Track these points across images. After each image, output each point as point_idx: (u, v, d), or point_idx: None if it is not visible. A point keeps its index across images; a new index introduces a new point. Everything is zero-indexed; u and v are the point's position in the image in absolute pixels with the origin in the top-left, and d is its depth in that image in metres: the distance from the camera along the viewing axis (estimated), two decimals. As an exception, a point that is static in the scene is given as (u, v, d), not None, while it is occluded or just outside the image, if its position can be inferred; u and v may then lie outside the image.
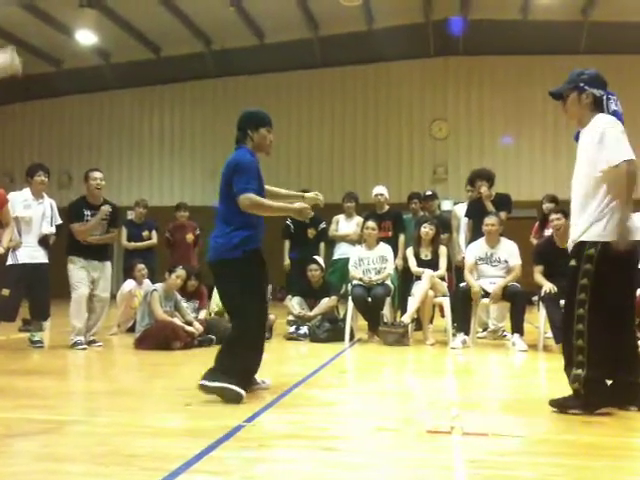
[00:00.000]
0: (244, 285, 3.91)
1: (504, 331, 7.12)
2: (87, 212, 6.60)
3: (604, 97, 3.63)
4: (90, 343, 6.54)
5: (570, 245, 3.71)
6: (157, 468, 2.59)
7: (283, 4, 13.77)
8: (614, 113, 3.60)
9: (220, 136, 16.41)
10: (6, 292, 6.32)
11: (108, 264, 6.77)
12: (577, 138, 3.73)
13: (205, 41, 15.72)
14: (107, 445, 3.01)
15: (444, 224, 7.82)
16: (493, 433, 3.17)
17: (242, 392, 3.80)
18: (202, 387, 3.84)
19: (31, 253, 6.51)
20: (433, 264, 6.95)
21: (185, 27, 14.92)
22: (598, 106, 3.62)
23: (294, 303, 7.27)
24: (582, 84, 3.64)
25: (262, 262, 4.05)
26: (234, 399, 3.77)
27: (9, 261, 6.43)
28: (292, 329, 7.00)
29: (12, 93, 17.07)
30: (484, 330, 7.42)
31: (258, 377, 4.19)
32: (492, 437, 3.10)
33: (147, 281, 7.77)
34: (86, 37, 14.53)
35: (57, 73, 16.74)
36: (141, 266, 7.92)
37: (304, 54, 15.48)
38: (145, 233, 8.69)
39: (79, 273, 6.51)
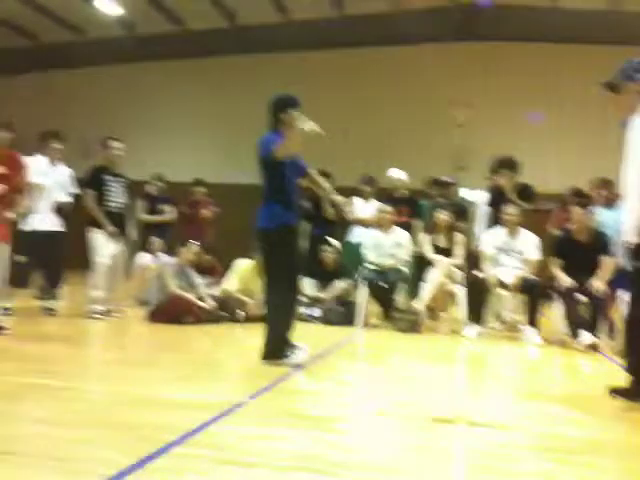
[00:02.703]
0: (278, 254, 4.31)
1: (519, 323, 7.01)
2: (108, 177, 6.63)
3: None
4: (107, 313, 6.56)
5: (629, 244, 3.60)
6: (154, 438, 2.58)
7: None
8: None
9: (241, 113, 16.32)
10: (21, 259, 6.32)
11: (124, 237, 6.80)
12: (624, 126, 3.60)
13: (229, 16, 15.58)
14: (105, 413, 3.02)
15: (462, 211, 7.72)
16: (500, 424, 3.12)
17: (297, 358, 4.25)
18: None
19: (44, 220, 6.48)
20: (448, 251, 6.85)
21: (209, 1, 14.77)
22: None
23: (307, 285, 7.21)
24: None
25: (295, 236, 4.40)
26: (295, 367, 4.21)
27: (21, 226, 6.41)
28: (304, 310, 6.95)
29: (35, 62, 17.13)
30: (499, 322, 7.33)
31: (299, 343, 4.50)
32: (498, 429, 3.05)
33: (162, 254, 7.76)
34: (109, 7, 14.44)
35: (81, 42, 16.69)
36: (156, 239, 7.93)
37: (328, 33, 15.29)
38: (162, 207, 8.68)
39: (101, 243, 6.53)
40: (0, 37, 16.82)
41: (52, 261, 6.55)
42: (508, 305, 6.96)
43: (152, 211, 8.60)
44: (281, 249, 4.32)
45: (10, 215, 5.23)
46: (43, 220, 6.49)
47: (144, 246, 8.12)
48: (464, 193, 8.06)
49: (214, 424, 2.87)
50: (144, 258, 7.93)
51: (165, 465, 2.34)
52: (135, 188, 8.98)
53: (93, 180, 6.59)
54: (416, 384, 4.10)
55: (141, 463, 2.33)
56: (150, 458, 2.38)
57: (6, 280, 5.46)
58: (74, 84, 17.15)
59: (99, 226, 6.52)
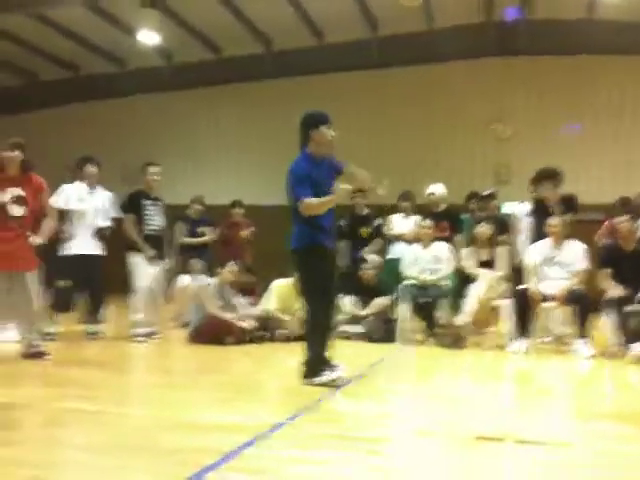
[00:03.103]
0: (308, 274, 4.31)
1: (568, 337, 6.77)
2: (146, 201, 6.69)
3: None
4: (149, 335, 6.59)
5: None
6: (190, 463, 2.52)
7: (342, 4, 13.64)
8: None
9: (277, 137, 16.43)
10: (61, 283, 6.40)
11: (164, 260, 6.84)
12: None
13: (265, 42, 15.75)
14: (143, 437, 2.98)
15: (503, 224, 7.54)
16: (550, 442, 2.97)
17: (334, 376, 4.17)
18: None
19: (84, 245, 6.52)
20: (491, 265, 6.68)
21: (245, 28, 14.96)
22: None
23: (346, 302, 7.11)
24: None
25: (325, 256, 4.32)
26: (332, 385, 4.13)
27: (62, 252, 6.49)
28: (345, 328, 6.84)
29: (76, 93, 17.56)
30: (547, 336, 7.10)
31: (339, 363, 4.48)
32: (548, 446, 2.90)
33: (202, 276, 7.77)
34: (148, 37, 14.74)
35: (121, 73, 17.08)
36: (196, 261, 7.95)
37: (363, 54, 15.30)
38: (201, 229, 8.70)
39: (140, 267, 6.57)
40: (43, 70, 17.34)
41: (93, 285, 6.58)
42: (556, 318, 6.74)
43: (192, 233, 8.63)
44: (311, 269, 4.29)
45: (37, 240, 5.07)
46: (83, 245, 6.53)
47: (184, 268, 8.14)
48: (509, 207, 7.87)
49: (251, 447, 2.79)
50: (184, 280, 7.95)
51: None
52: (175, 212, 9.08)
53: (131, 204, 6.66)
54: (460, 402, 3.96)
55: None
56: (189, 483, 2.32)
57: (43, 305, 5.47)
58: (113, 113, 17.51)
59: (138, 250, 6.56)
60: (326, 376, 4.17)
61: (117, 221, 6.84)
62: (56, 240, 6.50)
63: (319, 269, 4.27)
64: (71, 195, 6.54)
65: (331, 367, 4.22)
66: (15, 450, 2.68)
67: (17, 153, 4.92)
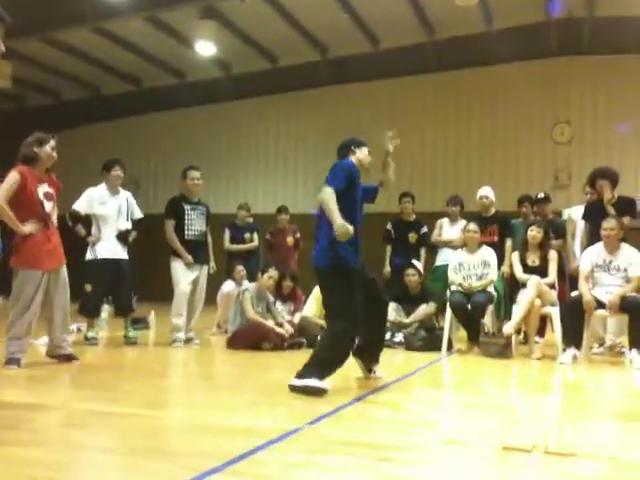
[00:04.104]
0: (332, 292, 4.16)
1: (623, 347, 6.41)
2: (187, 206, 6.68)
3: None
4: (187, 341, 6.59)
5: None
6: (195, 467, 2.42)
7: (397, 8, 13.50)
8: None
9: (333, 144, 16.37)
10: (88, 287, 6.41)
11: (206, 266, 6.83)
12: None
13: (320, 49, 15.76)
14: (157, 439, 2.92)
15: (557, 229, 7.23)
16: (583, 454, 2.74)
17: (325, 386, 3.89)
18: (290, 387, 3.94)
19: (110, 248, 6.50)
20: (541, 270, 6.38)
21: (301, 36, 15.01)
22: None
23: (390, 309, 6.92)
24: None
25: (348, 276, 4.11)
26: (316, 393, 3.84)
27: (88, 256, 6.52)
28: (387, 336, 6.65)
29: (140, 105, 18.00)
30: (600, 345, 6.74)
31: (377, 369, 4.54)
32: (580, 458, 2.67)
33: (246, 282, 7.74)
34: (206, 48, 14.96)
35: (181, 85, 17.40)
36: (240, 268, 7.94)
37: (419, 58, 15.13)
38: (247, 235, 8.71)
39: (180, 272, 6.59)
40: (105, 83, 17.85)
41: (119, 289, 6.55)
42: (610, 327, 6.38)
43: (237, 240, 8.64)
44: (333, 290, 4.15)
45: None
46: (109, 249, 6.51)
47: (229, 274, 8.14)
48: (568, 212, 7.53)
49: (262, 451, 2.67)
50: (229, 286, 7.95)
51: (197, 494, 2.17)
52: (222, 219, 9.12)
53: (172, 210, 6.67)
54: (495, 412, 3.74)
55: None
56: (184, 486, 2.23)
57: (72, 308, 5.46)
58: (173, 124, 17.86)
59: (179, 255, 6.56)
60: (315, 383, 3.89)
61: (139, 222, 6.81)
62: (83, 244, 6.56)
63: (346, 287, 4.08)
64: (94, 199, 6.54)
65: (323, 378, 3.96)
66: (31, 450, 2.65)
67: (56, 154, 4.97)
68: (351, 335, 4.14)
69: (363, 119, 16.17)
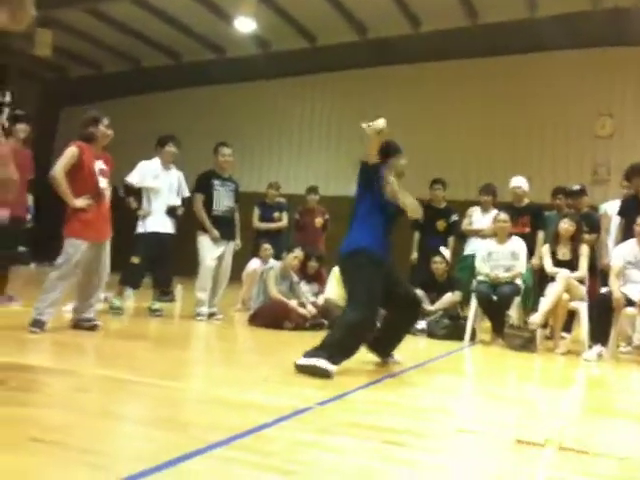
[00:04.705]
0: (353, 277, 4.13)
1: (651, 347, 6.26)
2: (216, 182, 6.70)
3: None
4: (211, 315, 6.62)
5: None
6: (203, 438, 2.41)
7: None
8: None
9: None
10: (136, 259, 6.50)
11: (232, 243, 6.85)
12: None
13: (361, 30, 15.57)
14: (169, 409, 2.92)
15: (591, 223, 7.07)
16: (595, 452, 2.67)
17: (331, 369, 3.78)
18: (296, 366, 3.86)
19: (160, 222, 6.57)
20: (571, 264, 6.24)
21: (341, 16, 14.85)
22: None
23: (415, 295, 6.86)
24: None
25: (370, 263, 4.09)
26: (322, 375, 3.75)
27: (139, 229, 6.61)
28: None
29: (178, 79, 18.05)
30: (628, 345, 6.59)
31: (395, 353, 4.47)
32: (592, 456, 2.60)
33: (272, 260, 7.74)
34: (245, 25, 14.90)
35: (219, 61, 17.39)
36: (267, 246, 7.94)
37: (461, 42, 14.83)
38: (276, 214, 8.70)
39: (206, 247, 6.62)
40: (146, 57, 17.94)
41: (162, 263, 6.64)
42: (638, 326, 6.23)
43: (266, 218, 8.64)
44: (353, 275, 4.13)
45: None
46: (158, 222, 6.58)
47: (256, 252, 8.15)
48: (604, 206, 7.35)
49: (270, 428, 2.66)
50: (255, 263, 7.96)
51: (198, 466, 2.15)
52: (254, 197, 9.13)
53: (201, 184, 6.69)
54: (513, 404, 3.68)
55: (173, 462, 2.16)
56: (187, 457, 2.21)
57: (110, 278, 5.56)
58: (211, 99, 17.90)
59: (205, 230, 6.59)
60: (322, 364, 3.78)
61: (187, 200, 6.90)
62: (134, 218, 6.65)
63: (362, 276, 4.06)
64: (147, 172, 6.62)
65: (332, 363, 3.86)
66: (40, 412, 2.67)
67: (112, 132, 5.09)
68: (368, 327, 4.08)
69: (398, 104, 16.01)
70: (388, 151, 4.41)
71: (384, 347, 4.44)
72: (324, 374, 3.75)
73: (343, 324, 4.08)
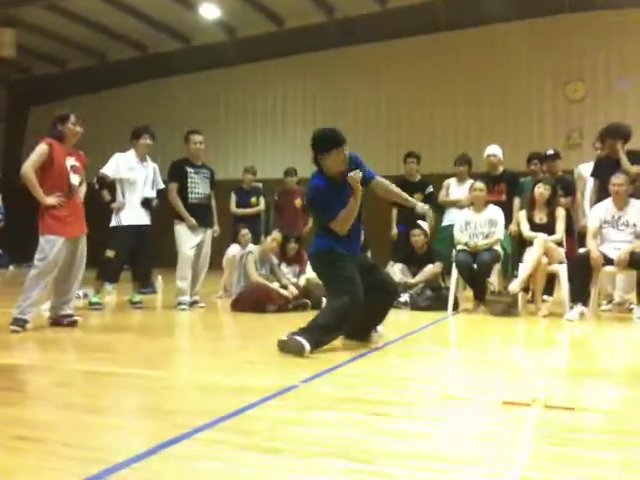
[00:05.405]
0: (324, 277, 4.26)
1: (631, 304, 6.31)
2: (190, 170, 6.65)
3: None
4: (193, 304, 6.59)
5: None
6: (187, 424, 2.39)
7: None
8: None
9: (341, 108, 16.19)
10: (111, 254, 6.43)
11: (209, 230, 6.80)
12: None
13: (327, 10, 15.46)
14: (151, 399, 2.90)
15: (566, 186, 7.10)
16: (581, 407, 2.69)
17: (306, 345, 3.75)
18: (278, 342, 3.88)
19: (135, 215, 6.52)
20: (549, 228, 6.28)
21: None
22: None
23: (396, 269, 6.88)
24: None
25: (339, 259, 4.11)
26: (297, 350, 3.75)
27: (113, 223, 6.54)
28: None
29: (146, 71, 17.82)
30: (609, 302, 6.65)
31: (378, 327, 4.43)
32: (578, 412, 2.61)
33: (251, 245, 7.70)
34: (210, 11, 14.72)
35: (186, 50, 17.19)
36: (245, 231, 7.90)
37: (427, 17, 14.80)
38: (253, 199, 8.66)
39: (184, 236, 6.58)
40: (112, 50, 17.69)
41: (140, 255, 6.60)
42: (618, 283, 6.29)
43: (243, 203, 8.59)
44: (326, 272, 4.19)
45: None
46: (133, 215, 6.53)
47: (235, 238, 8.11)
48: (578, 169, 7.39)
49: (254, 408, 2.64)
50: (234, 249, 7.93)
51: (183, 451, 2.12)
52: (230, 184, 9.06)
53: (175, 173, 6.64)
54: (497, 367, 3.69)
55: (157, 448, 2.13)
56: (171, 443, 2.19)
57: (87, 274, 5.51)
58: (179, 90, 17.71)
59: (182, 219, 6.53)
60: (300, 339, 3.80)
61: (160, 192, 6.83)
62: (108, 211, 6.58)
63: (337, 268, 4.06)
64: (122, 164, 6.54)
65: (314, 345, 3.86)
66: (20, 410, 2.63)
67: (81, 129, 5.06)
68: (354, 310, 4.00)
69: (370, 82, 15.96)
70: (325, 146, 4.17)
71: (363, 332, 4.35)
72: (299, 348, 3.74)
73: (328, 308, 4.08)
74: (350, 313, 4.00)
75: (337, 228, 4.10)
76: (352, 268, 4.07)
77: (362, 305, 4.02)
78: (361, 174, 4.07)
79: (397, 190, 4.45)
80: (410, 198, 4.51)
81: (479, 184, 6.65)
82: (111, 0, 14.55)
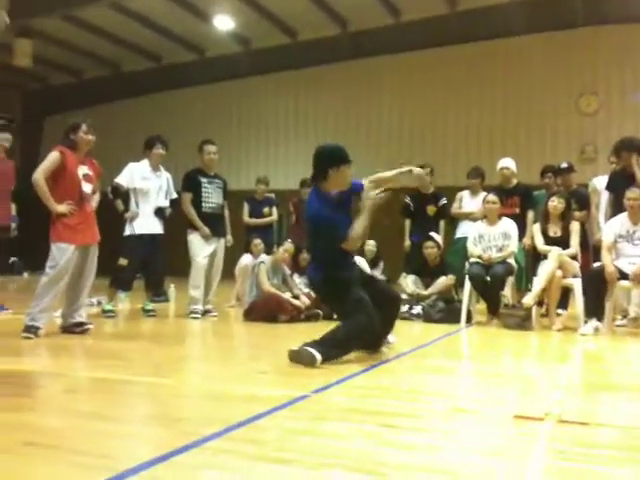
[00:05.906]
0: (337, 302, 4.23)
1: (646, 319, 6.25)
2: (203, 180, 6.68)
3: None
4: (205, 313, 6.59)
5: None
6: (197, 432, 2.37)
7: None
8: None
9: (353, 119, 16.22)
10: (124, 262, 6.46)
11: (222, 240, 6.82)
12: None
13: (341, 23, 15.52)
14: (162, 406, 2.89)
15: (581, 199, 7.05)
16: (595, 422, 2.65)
17: (318, 356, 3.73)
18: (289, 352, 3.85)
19: (148, 224, 6.55)
20: (563, 242, 6.22)
21: (320, 10, 14.78)
22: None
23: (409, 281, 6.85)
24: None
25: (344, 282, 4.10)
26: (308, 361, 3.73)
27: (126, 232, 6.57)
28: (405, 308, 6.58)
29: (160, 82, 17.94)
30: (624, 317, 6.58)
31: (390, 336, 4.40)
32: (592, 427, 2.58)
33: (263, 255, 7.70)
34: (224, 23, 14.81)
35: (200, 61, 17.31)
36: (258, 241, 7.89)
37: (442, 30, 14.82)
38: (266, 210, 8.67)
39: (197, 245, 6.59)
40: (127, 61, 17.83)
41: (153, 264, 6.61)
42: (633, 298, 6.22)
43: (256, 214, 8.61)
44: (334, 299, 4.21)
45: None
46: (146, 224, 6.56)
47: (247, 248, 8.11)
48: (593, 182, 7.34)
49: (264, 418, 2.62)
50: (246, 259, 7.93)
51: (192, 459, 2.11)
52: (243, 195, 9.09)
53: (189, 183, 6.66)
54: (511, 381, 3.66)
55: (166, 456, 2.12)
56: (179, 451, 2.18)
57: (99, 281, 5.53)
58: (193, 101, 17.81)
59: (196, 228, 6.55)
60: (311, 350, 3.78)
61: (173, 201, 6.85)
62: (121, 220, 6.61)
63: (342, 294, 4.06)
64: (135, 173, 6.58)
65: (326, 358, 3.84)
66: (31, 417, 2.63)
67: (93, 137, 5.11)
68: (370, 329, 3.99)
69: (382, 94, 15.98)
70: (337, 160, 4.09)
71: (374, 342, 4.31)
72: (310, 359, 3.72)
73: (346, 324, 4.02)
74: (366, 332, 4.00)
75: (349, 246, 4.10)
76: (358, 289, 4.08)
77: (377, 324, 4.02)
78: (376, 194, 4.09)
79: (383, 175, 4.31)
80: (399, 169, 4.31)
81: (492, 196, 6.62)
82: (127, 11, 14.68)
